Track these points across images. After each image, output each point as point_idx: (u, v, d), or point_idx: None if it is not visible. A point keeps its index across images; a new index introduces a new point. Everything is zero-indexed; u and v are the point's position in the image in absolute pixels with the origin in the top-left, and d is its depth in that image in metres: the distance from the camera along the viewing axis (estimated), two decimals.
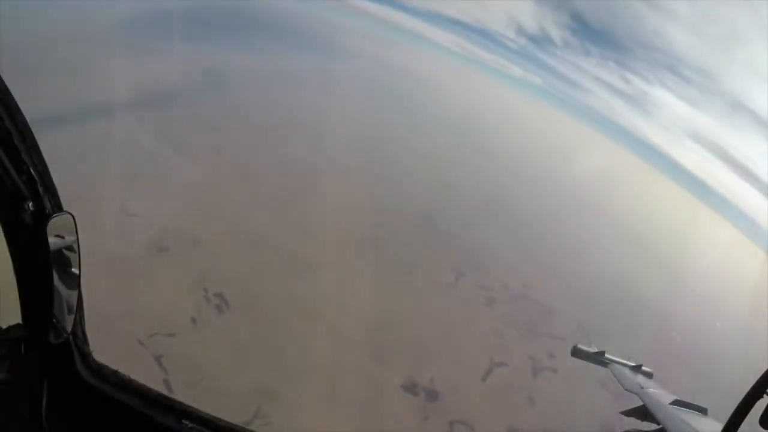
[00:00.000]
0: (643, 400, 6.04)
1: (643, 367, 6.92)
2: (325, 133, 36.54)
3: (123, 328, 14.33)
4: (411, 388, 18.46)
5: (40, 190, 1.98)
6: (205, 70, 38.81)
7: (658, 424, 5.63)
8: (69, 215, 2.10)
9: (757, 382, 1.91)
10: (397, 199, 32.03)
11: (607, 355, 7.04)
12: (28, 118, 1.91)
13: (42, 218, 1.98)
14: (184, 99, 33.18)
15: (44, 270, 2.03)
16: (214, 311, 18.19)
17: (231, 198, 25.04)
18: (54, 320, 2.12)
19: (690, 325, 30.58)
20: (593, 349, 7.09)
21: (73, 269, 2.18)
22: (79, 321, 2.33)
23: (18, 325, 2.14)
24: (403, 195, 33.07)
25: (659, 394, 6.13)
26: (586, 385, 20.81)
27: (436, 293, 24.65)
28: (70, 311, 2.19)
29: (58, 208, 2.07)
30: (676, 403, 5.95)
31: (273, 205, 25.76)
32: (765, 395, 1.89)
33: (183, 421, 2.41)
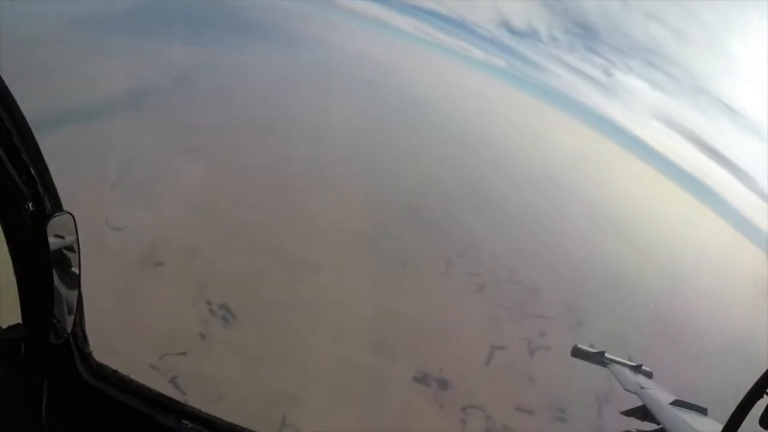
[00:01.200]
0: (643, 400, 6.04)
1: (643, 367, 6.92)
2: (294, 126, 36.34)
3: (131, 352, 13.88)
4: (422, 379, 19.18)
5: (40, 190, 1.97)
6: (180, 70, 37.59)
7: (658, 424, 5.63)
8: (69, 215, 2.10)
9: (757, 382, 1.91)
10: (378, 191, 32.12)
11: (607, 355, 7.04)
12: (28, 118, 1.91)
13: (42, 218, 1.98)
14: (160, 100, 31.96)
15: (44, 270, 2.03)
16: (221, 323, 17.96)
17: (219, 202, 24.31)
18: (54, 320, 2.12)
19: (664, 296, 33.21)
20: (593, 349, 7.09)
21: (73, 269, 2.18)
22: (79, 321, 2.33)
23: (18, 325, 2.14)
24: (383, 186, 33.15)
25: (659, 394, 6.14)
26: (581, 362, 22.07)
27: (430, 284, 25.41)
28: (70, 311, 2.19)
29: (58, 208, 2.07)
30: (676, 403, 5.95)
31: (262, 206, 25.33)
32: (765, 395, 1.89)
33: (183, 421, 2.41)
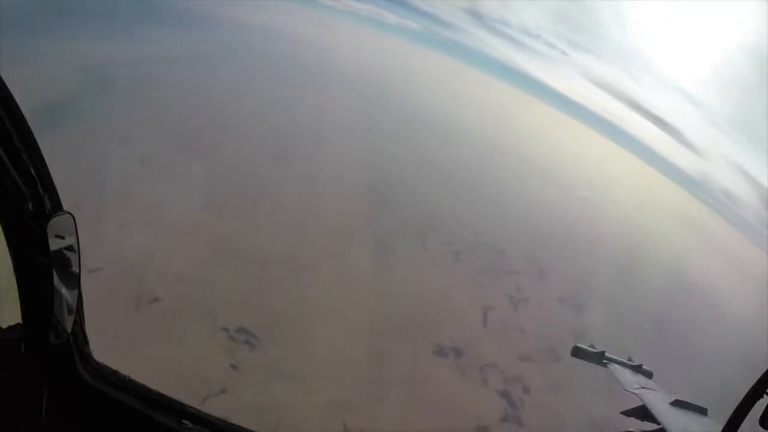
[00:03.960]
0: (643, 400, 6.04)
1: (644, 367, 6.93)
2: (227, 118, 35.41)
3: None
4: (440, 352, 20.93)
5: (40, 190, 1.97)
6: (99, 70, 33.45)
7: (658, 424, 5.63)
8: (69, 215, 2.10)
9: (757, 382, 1.91)
10: (340, 178, 32.10)
11: (607, 355, 7.05)
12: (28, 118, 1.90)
13: (42, 218, 1.98)
14: (85, 109, 27.87)
15: (44, 270, 2.02)
16: (247, 348, 17.29)
17: (192, 216, 22.52)
18: (54, 320, 2.11)
19: (606, 237, 38.37)
20: (594, 349, 7.10)
21: (73, 269, 2.18)
22: (79, 321, 2.33)
23: (18, 325, 2.14)
24: (344, 173, 33.07)
25: (659, 394, 6.14)
26: (554, 307, 27.10)
27: (415, 261, 26.88)
28: (70, 311, 2.19)
29: (58, 208, 2.07)
30: (676, 403, 5.96)
31: (236, 212, 24.34)
32: (765, 395, 1.89)
33: (183, 421, 2.41)
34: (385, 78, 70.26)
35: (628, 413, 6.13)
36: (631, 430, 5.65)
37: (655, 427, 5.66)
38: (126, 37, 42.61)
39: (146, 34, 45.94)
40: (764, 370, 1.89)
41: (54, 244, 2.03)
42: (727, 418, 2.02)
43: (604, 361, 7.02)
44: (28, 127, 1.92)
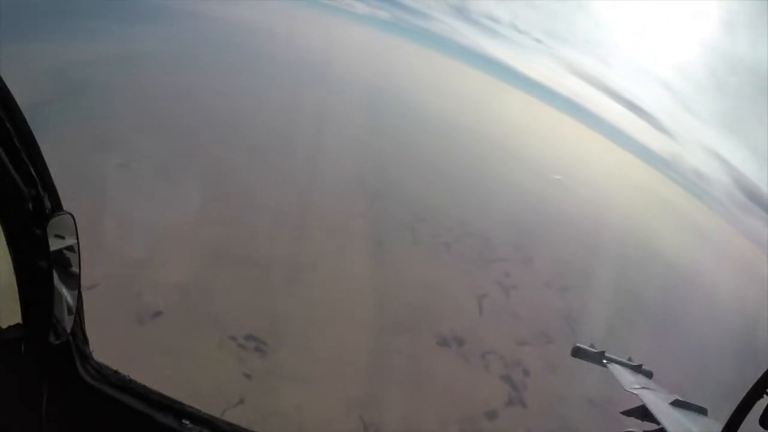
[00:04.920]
0: (643, 400, 6.04)
1: (643, 367, 6.93)
2: (206, 114, 35.05)
3: None
4: (443, 342, 21.72)
5: (40, 190, 1.97)
6: (70, 72, 32.59)
7: (658, 424, 5.62)
8: (69, 215, 2.10)
9: (757, 382, 1.91)
10: (325, 177, 31.94)
11: (607, 355, 7.05)
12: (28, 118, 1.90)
13: (42, 218, 1.98)
14: (58, 112, 26.28)
15: (44, 270, 2.02)
16: (258, 356, 17.09)
17: (182, 223, 21.87)
18: (54, 320, 2.11)
19: (587, 222, 41.06)
20: (593, 349, 7.10)
21: (73, 269, 2.18)
22: (79, 321, 2.33)
23: (18, 325, 2.14)
24: (330, 168, 33.10)
25: (659, 394, 6.14)
26: (542, 291, 28.30)
27: (407, 254, 27.43)
28: (70, 311, 2.19)
29: (58, 208, 2.07)
30: (676, 403, 5.95)
31: (224, 215, 23.88)
32: (765, 395, 1.89)
33: (183, 421, 2.41)
34: (368, 73, 70.58)
35: (628, 413, 6.12)
36: (631, 430, 5.65)
37: (655, 427, 5.65)
38: (113, 37, 42.26)
39: (133, 34, 45.78)
40: (765, 370, 1.89)
41: (54, 244, 2.03)
42: (727, 418, 2.02)
43: (604, 361, 7.01)
44: (29, 128, 1.92)
